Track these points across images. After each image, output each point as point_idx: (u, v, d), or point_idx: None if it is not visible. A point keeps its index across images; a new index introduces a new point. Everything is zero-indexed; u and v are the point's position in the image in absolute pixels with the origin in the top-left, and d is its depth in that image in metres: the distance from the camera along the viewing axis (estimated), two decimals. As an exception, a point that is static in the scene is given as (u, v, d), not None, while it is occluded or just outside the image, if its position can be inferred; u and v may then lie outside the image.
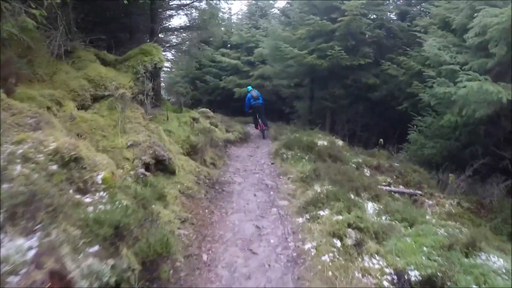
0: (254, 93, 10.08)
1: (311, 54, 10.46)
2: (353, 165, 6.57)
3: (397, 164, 7.13)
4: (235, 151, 7.95)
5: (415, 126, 8.30)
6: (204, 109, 10.82)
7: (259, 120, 10.29)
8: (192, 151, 5.50)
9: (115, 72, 5.06)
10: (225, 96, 20.85)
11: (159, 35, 8.27)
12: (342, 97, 11.33)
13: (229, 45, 21.92)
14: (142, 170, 3.73)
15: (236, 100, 19.62)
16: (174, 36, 10.22)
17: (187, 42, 9.73)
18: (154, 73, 5.81)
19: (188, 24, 9.40)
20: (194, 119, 7.19)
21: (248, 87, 11.18)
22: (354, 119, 12.03)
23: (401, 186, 5.92)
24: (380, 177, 5.98)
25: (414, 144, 8.14)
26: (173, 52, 11.44)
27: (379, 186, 5.30)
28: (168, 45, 9.90)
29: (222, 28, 23.40)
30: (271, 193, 5.00)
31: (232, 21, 23.33)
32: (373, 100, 11.20)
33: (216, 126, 8.91)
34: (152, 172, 3.98)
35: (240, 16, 24.33)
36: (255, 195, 4.92)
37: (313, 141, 7.09)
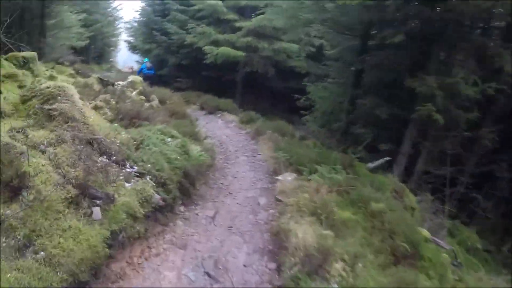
0: (149, 64, 11.28)
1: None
2: None
3: None
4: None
5: None
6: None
7: None
8: None
9: None
10: (193, 58, 13.59)
11: None
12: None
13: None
14: None
15: (208, 67, 12.46)
16: None
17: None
18: None
19: None
20: None
21: (145, 59, 12.22)
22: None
23: None
24: None
25: None
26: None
27: None
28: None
29: None
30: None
31: None
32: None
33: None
34: None
35: None
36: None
37: None
